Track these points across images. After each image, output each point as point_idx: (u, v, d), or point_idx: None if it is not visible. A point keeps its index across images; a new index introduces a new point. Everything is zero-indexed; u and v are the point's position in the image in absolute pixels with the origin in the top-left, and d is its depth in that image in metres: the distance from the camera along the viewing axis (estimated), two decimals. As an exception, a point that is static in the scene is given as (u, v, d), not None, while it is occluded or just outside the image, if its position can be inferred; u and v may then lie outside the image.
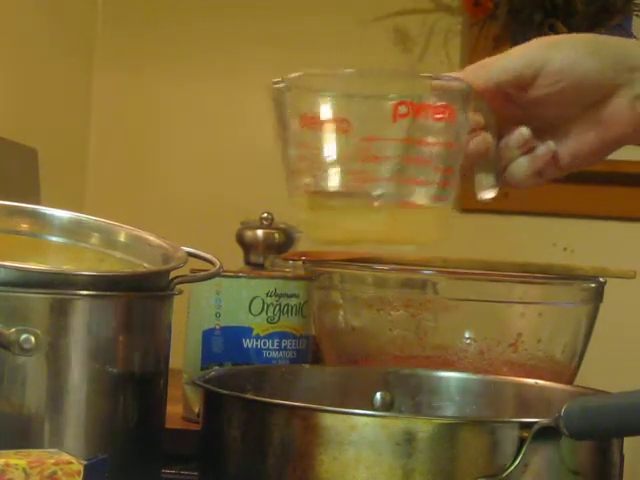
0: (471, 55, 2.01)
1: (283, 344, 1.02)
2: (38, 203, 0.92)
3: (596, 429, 0.65)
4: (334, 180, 0.67)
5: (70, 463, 0.58)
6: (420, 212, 0.68)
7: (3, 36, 1.67)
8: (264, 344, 1.01)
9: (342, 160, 0.67)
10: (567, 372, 1.10)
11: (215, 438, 0.73)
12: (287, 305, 1.02)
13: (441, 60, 2.02)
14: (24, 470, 0.57)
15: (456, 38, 2.03)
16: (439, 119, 0.67)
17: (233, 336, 1.01)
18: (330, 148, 0.66)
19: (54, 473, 0.58)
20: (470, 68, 0.73)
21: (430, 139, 0.67)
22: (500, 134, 0.72)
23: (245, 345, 1.01)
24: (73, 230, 0.86)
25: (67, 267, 0.83)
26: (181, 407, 1.04)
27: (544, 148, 0.71)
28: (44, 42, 1.84)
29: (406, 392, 0.88)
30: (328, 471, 0.65)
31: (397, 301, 1.07)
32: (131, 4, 2.08)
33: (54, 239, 0.86)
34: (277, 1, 2.06)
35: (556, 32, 1.90)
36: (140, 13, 2.08)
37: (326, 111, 0.66)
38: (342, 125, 0.66)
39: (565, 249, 1.94)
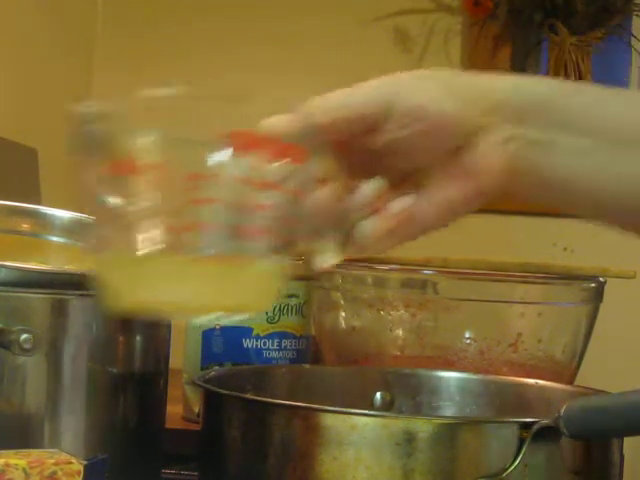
0: (471, 55, 2.01)
1: (283, 344, 1.02)
2: (38, 203, 0.92)
3: (596, 429, 0.65)
4: (148, 232, 0.53)
5: (70, 463, 0.59)
6: (258, 271, 0.54)
7: (3, 36, 1.67)
8: (264, 344, 1.01)
9: (158, 206, 0.53)
10: (567, 372, 1.10)
11: (215, 438, 0.73)
12: (287, 305, 1.02)
13: (441, 60, 2.02)
14: (24, 470, 0.57)
15: (456, 38, 2.03)
16: (285, 160, 0.54)
17: (233, 336, 1.01)
18: (144, 190, 0.53)
19: (54, 473, 0.58)
20: (313, 101, 0.60)
21: (273, 182, 0.54)
22: (347, 187, 0.59)
23: (245, 345, 1.01)
24: (73, 230, 0.86)
25: (67, 267, 0.83)
26: (181, 407, 1.04)
27: (399, 204, 0.59)
28: (44, 42, 1.85)
29: (406, 392, 0.88)
30: (328, 471, 0.65)
31: (397, 301, 1.07)
32: (131, 4, 2.08)
33: (55, 239, 0.86)
34: (277, 1, 2.06)
35: (556, 32, 1.91)
36: (140, 13, 2.08)
37: (141, 147, 0.53)
38: (158, 163, 0.53)
39: (565, 249, 1.94)
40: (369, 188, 0.58)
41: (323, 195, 0.58)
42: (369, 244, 0.59)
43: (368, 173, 0.59)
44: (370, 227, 0.58)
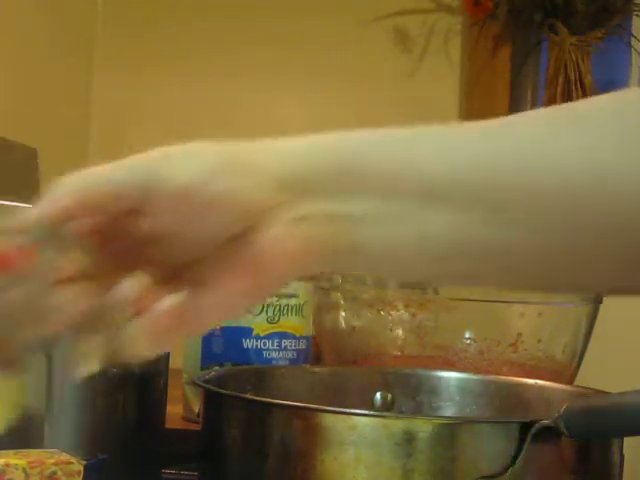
0: (471, 55, 2.01)
1: (283, 344, 1.02)
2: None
3: (596, 429, 0.65)
4: None
5: (70, 463, 0.58)
6: None
7: (3, 36, 1.67)
8: (264, 344, 1.01)
9: None
10: (567, 372, 1.10)
11: (215, 438, 0.73)
12: (287, 305, 1.02)
13: (441, 60, 2.02)
14: (24, 470, 0.57)
15: (456, 38, 2.03)
16: (14, 262, 0.47)
17: (233, 336, 1.01)
18: None
19: (54, 473, 0.58)
20: (62, 182, 0.50)
21: None
22: (107, 284, 0.49)
23: (245, 345, 1.01)
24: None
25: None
26: (181, 407, 1.04)
27: (169, 302, 0.48)
28: (44, 42, 1.84)
29: (406, 392, 0.88)
30: (328, 471, 0.65)
31: (397, 301, 1.07)
32: (131, 4, 2.08)
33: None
34: (277, 1, 2.06)
35: (556, 32, 1.91)
36: (140, 13, 2.08)
37: None
38: None
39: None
40: (132, 284, 0.49)
41: (73, 294, 0.48)
42: (135, 347, 0.49)
43: (132, 266, 0.50)
44: (134, 329, 0.48)
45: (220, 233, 0.49)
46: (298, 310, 1.03)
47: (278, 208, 0.49)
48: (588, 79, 1.90)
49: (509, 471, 0.64)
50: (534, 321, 1.09)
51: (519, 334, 1.07)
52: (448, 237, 0.50)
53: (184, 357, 1.05)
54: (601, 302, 1.12)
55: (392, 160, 0.51)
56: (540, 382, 0.88)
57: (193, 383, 0.80)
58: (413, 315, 1.06)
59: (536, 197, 0.50)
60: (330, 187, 0.50)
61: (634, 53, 1.97)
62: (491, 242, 0.51)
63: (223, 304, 0.50)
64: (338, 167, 0.50)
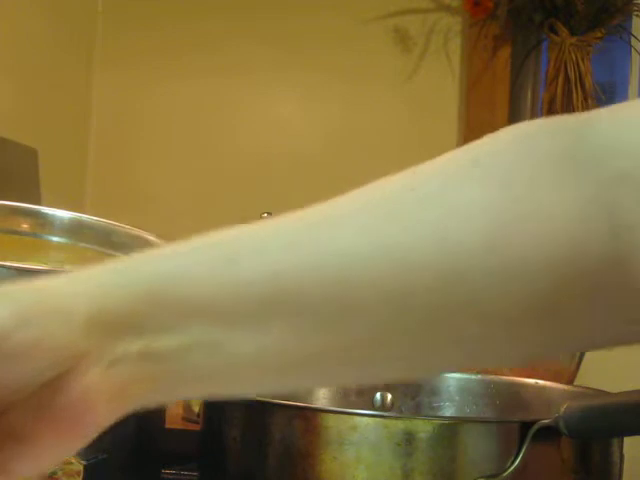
0: (471, 55, 2.01)
1: (283, 344, 1.02)
2: (38, 203, 0.92)
3: (596, 429, 0.65)
4: None
5: (70, 463, 0.59)
6: None
7: (3, 36, 1.67)
8: (264, 344, 1.01)
9: None
10: (567, 372, 1.10)
11: (215, 438, 0.73)
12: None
13: (441, 60, 2.02)
14: (24, 470, 0.57)
15: (456, 38, 2.03)
16: None
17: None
18: None
19: (54, 473, 0.58)
20: None
21: None
22: None
23: (245, 345, 1.01)
24: (73, 230, 0.86)
25: (67, 267, 0.83)
26: (181, 407, 1.04)
27: None
28: (44, 42, 1.85)
29: (406, 392, 0.88)
30: (328, 471, 0.65)
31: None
32: (131, 4, 2.08)
33: (54, 239, 0.86)
34: (277, 1, 2.06)
35: (556, 32, 1.91)
36: (140, 13, 2.08)
37: None
38: None
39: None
40: None
41: None
42: None
43: None
44: None
45: (30, 381, 0.44)
46: (298, 310, 1.03)
47: (92, 351, 0.45)
48: (588, 79, 1.90)
49: (509, 471, 0.64)
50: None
51: (519, 334, 1.06)
52: (275, 354, 0.47)
53: (184, 357, 1.05)
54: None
55: (202, 284, 0.47)
56: (540, 382, 0.88)
57: (193, 383, 0.80)
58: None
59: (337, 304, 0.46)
60: (143, 322, 0.46)
61: (634, 53, 1.97)
62: (317, 349, 0.47)
63: (35, 455, 0.46)
64: (148, 299, 0.46)
